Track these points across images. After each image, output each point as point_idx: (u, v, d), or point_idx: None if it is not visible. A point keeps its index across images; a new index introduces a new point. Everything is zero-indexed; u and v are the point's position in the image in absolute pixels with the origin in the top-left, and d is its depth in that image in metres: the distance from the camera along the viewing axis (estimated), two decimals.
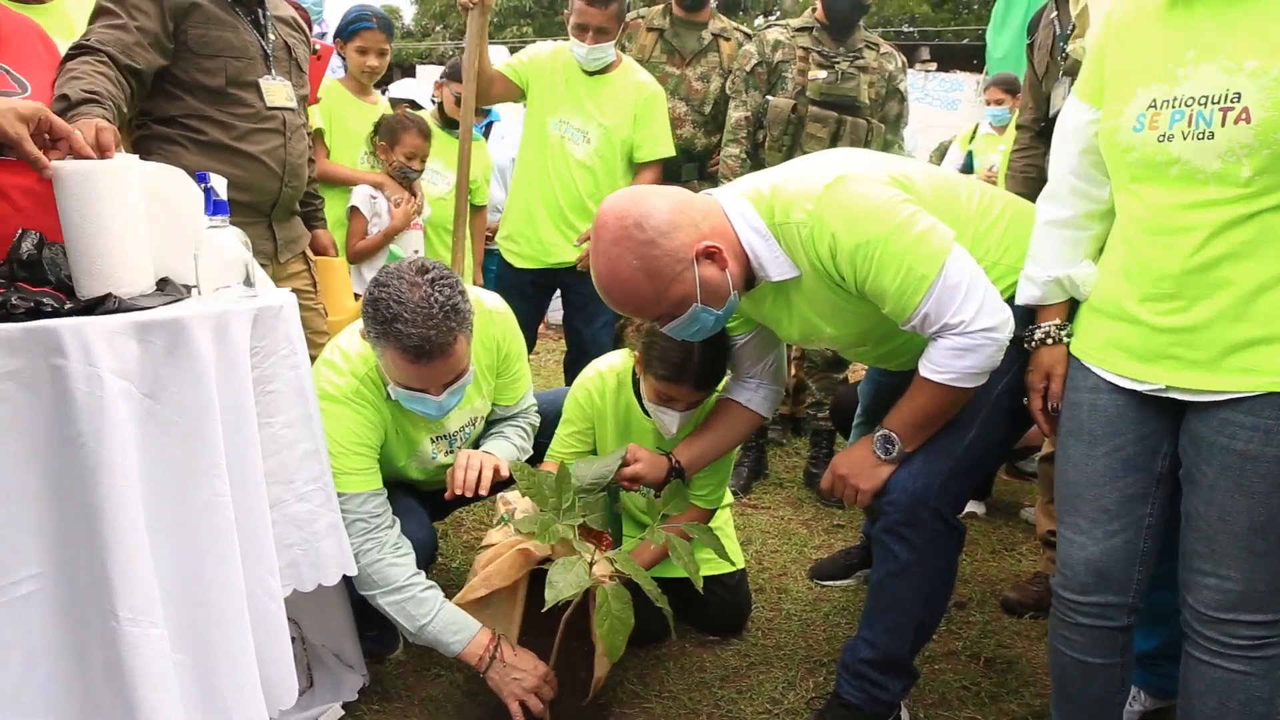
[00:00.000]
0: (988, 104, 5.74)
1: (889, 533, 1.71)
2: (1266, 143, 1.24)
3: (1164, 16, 1.38)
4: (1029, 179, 2.38)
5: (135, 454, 1.28)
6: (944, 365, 1.60)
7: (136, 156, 1.50)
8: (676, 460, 1.98)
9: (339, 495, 1.83)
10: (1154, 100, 1.35)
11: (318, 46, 2.69)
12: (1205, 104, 1.29)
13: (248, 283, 1.51)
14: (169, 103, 2.06)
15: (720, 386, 2.07)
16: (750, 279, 1.69)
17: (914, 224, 1.56)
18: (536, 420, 2.27)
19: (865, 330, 1.75)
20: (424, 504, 2.15)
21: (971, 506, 3.15)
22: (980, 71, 7.29)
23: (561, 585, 1.48)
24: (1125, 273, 1.43)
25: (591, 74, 3.09)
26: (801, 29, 3.17)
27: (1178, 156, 1.32)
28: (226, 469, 1.46)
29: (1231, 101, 1.27)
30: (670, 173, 3.23)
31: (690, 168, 3.38)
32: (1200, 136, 1.29)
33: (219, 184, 1.50)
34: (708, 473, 2.12)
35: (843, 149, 2.11)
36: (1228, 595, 1.36)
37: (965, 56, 11.93)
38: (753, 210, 1.65)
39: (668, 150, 3.18)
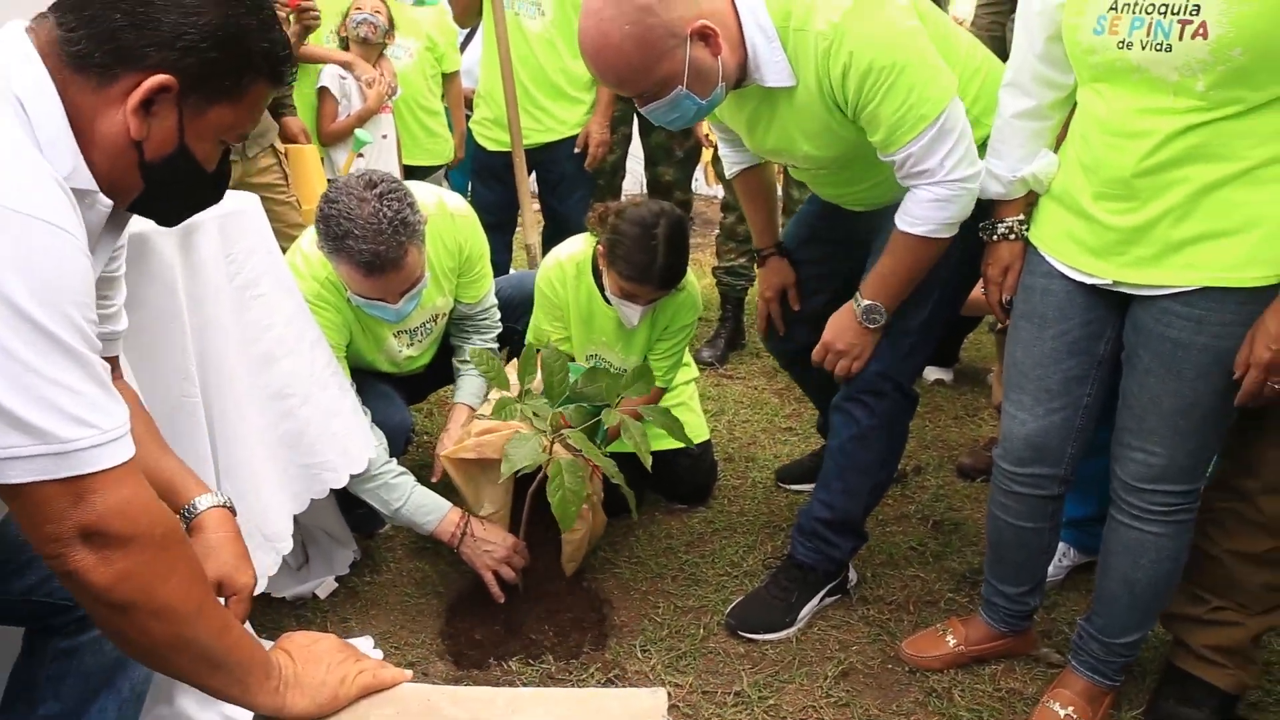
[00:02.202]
0: None
1: (852, 400, 1.82)
2: (1221, 59, 1.22)
3: None
4: (994, 37, 2.32)
5: None
6: (924, 217, 1.62)
7: None
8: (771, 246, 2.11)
9: None
10: (1115, 3, 1.31)
11: None
12: (1165, 13, 1.25)
13: None
14: None
15: (681, 284, 2.06)
16: (740, 78, 1.62)
17: (928, 61, 1.53)
18: (498, 326, 2.32)
19: (839, 156, 1.71)
20: (400, 389, 2.24)
21: (939, 374, 3.24)
22: None
23: (516, 457, 1.57)
24: (1083, 168, 1.45)
25: None
26: None
27: (1137, 65, 1.30)
28: (196, 371, 1.52)
29: (1190, 14, 1.23)
30: None
31: None
32: (1158, 48, 1.27)
33: None
34: (662, 353, 2.18)
35: None
36: (1152, 469, 1.47)
37: None
38: (763, 7, 1.56)
39: None
